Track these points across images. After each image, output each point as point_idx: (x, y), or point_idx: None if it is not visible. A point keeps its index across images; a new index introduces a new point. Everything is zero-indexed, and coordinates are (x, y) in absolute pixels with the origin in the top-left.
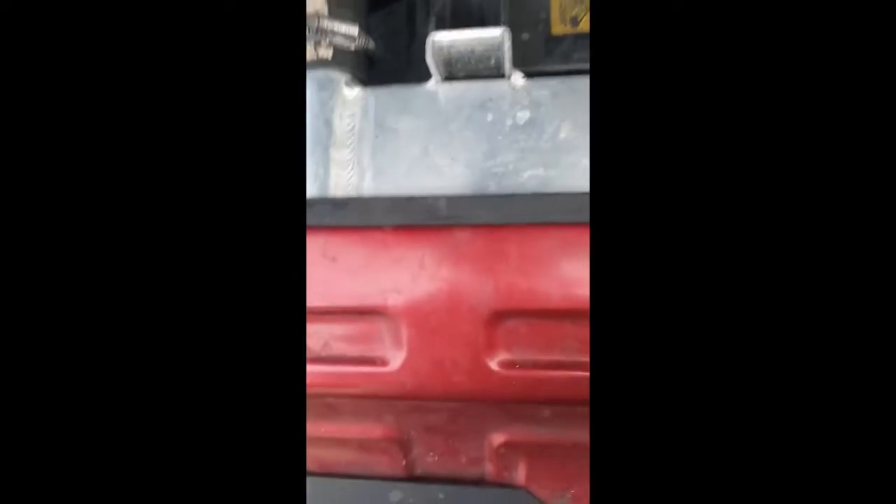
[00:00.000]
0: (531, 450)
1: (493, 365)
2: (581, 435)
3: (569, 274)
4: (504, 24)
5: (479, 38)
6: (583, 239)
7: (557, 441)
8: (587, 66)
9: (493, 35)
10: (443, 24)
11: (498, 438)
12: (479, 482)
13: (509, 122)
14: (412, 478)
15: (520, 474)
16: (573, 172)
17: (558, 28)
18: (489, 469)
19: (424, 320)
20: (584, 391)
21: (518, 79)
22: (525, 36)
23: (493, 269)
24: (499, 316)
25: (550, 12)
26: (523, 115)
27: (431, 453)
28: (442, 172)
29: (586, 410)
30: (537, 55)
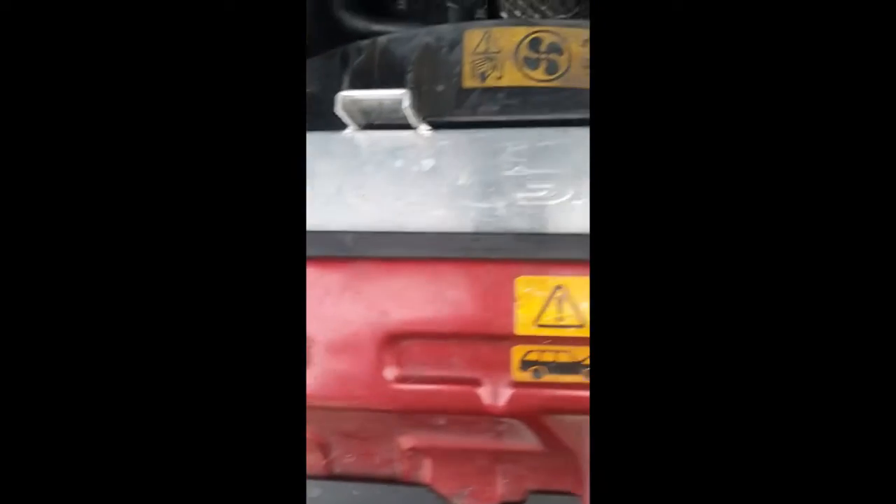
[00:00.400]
0: (434, 453)
1: (390, 379)
2: (474, 440)
3: (456, 302)
4: (412, 80)
5: (382, 97)
6: (471, 273)
7: (455, 445)
8: (493, 117)
9: (395, 94)
10: (364, 76)
11: (406, 442)
12: (390, 481)
13: (415, 168)
14: (331, 476)
15: (425, 474)
16: (467, 214)
17: (469, 82)
18: (399, 469)
19: (330, 340)
20: (469, 403)
21: (425, 130)
22: (440, 87)
23: (391, 297)
24: (395, 337)
25: (463, 67)
26: (428, 163)
27: (349, 455)
28: (354, 211)
29: (473, 419)
30: (449, 105)
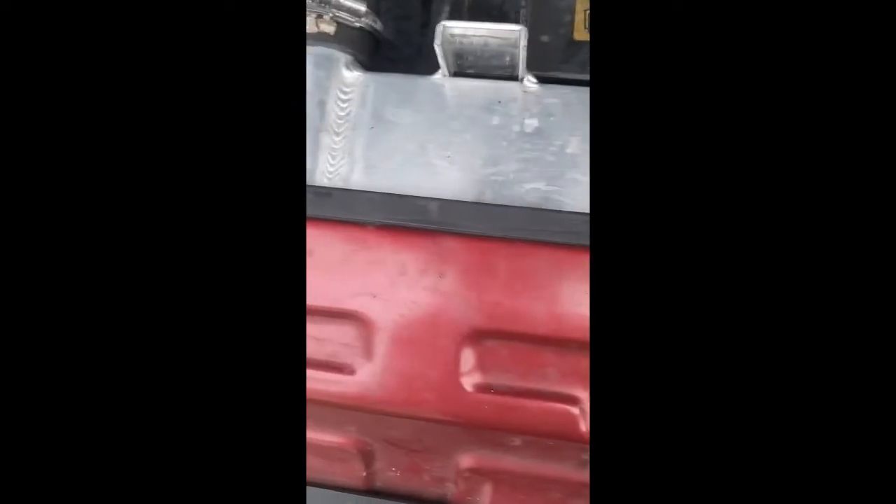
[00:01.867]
0: (497, 477)
1: (467, 386)
2: (550, 468)
3: (559, 299)
4: (524, 21)
5: (494, 32)
6: (579, 262)
7: (525, 471)
8: None
9: (511, 30)
10: (459, 15)
11: (465, 461)
12: (440, 503)
13: (516, 128)
14: (370, 491)
15: (483, 500)
16: (576, 190)
17: (581, 34)
18: (452, 491)
19: (398, 330)
20: (559, 424)
21: (530, 83)
22: (545, 38)
23: (478, 284)
24: (479, 335)
25: (574, 17)
26: (531, 123)
27: (393, 468)
28: (437, 173)
29: (558, 444)
30: (555, 60)
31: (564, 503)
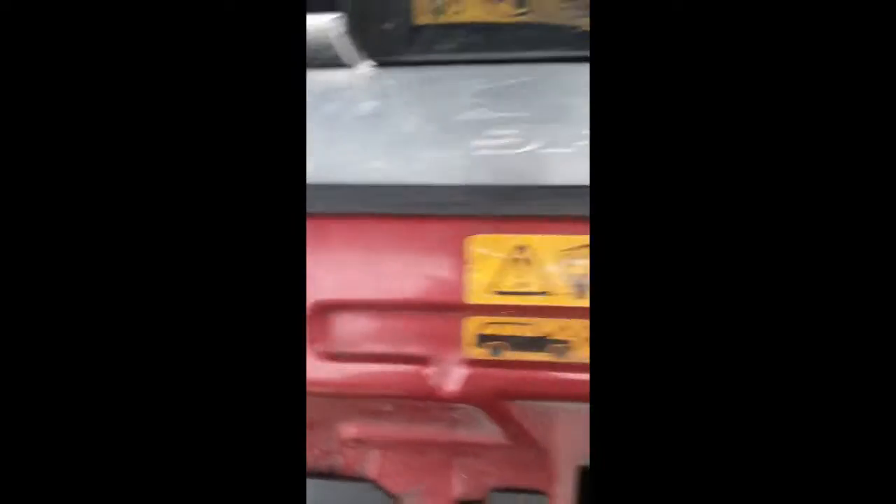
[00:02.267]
0: (381, 444)
1: (315, 357)
2: (424, 431)
3: (396, 267)
4: (350, 7)
5: (310, 23)
6: (416, 232)
7: (403, 436)
8: (450, 56)
9: (322, 22)
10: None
11: (346, 431)
12: (330, 475)
13: (353, 111)
14: None
15: (371, 468)
16: (415, 166)
17: (422, 18)
18: (340, 462)
19: None
20: (413, 385)
21: (365, 68)
22: (388, 25)
23: (317, 260)
24: (321, 308)
25: (413, 1)
26: (369, 105)
27: None
28: None
29: (424, 405)
30: (398, 45)
31: (448, 463)
